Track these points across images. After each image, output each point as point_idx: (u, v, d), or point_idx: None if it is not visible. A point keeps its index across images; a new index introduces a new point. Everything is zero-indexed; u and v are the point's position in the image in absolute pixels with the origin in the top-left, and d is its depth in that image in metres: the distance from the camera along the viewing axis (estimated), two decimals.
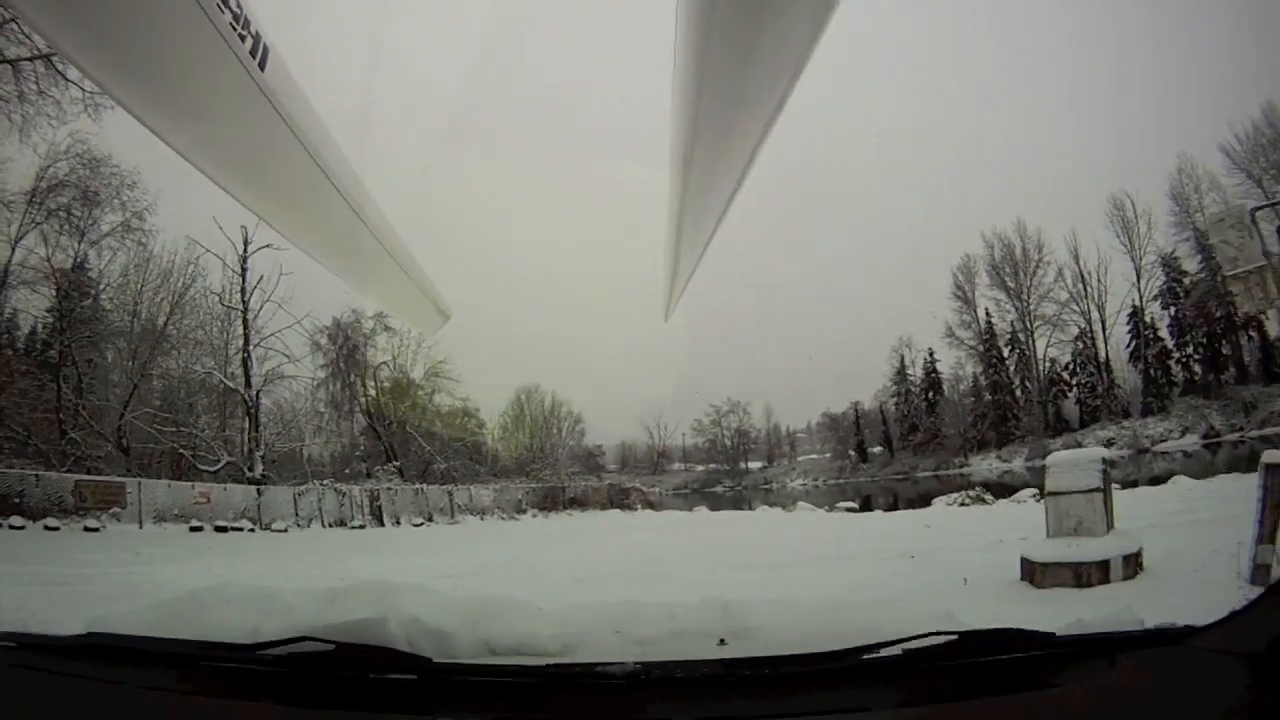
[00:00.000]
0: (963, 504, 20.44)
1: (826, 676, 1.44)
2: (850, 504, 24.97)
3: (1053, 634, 1.47)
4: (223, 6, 1.77)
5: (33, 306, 20.78)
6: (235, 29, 1.81)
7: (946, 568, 8.26)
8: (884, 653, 1.42)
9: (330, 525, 21.01)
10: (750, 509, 28.50)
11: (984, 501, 20.56)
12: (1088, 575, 6.45)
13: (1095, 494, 7.05)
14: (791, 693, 1.42)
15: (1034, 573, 6.73)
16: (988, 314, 37.85)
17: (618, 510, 28.34)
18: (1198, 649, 1.40)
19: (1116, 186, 33.36)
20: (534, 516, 27.00)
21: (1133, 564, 6.56)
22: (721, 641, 1.65)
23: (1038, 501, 19.03)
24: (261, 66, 1.88)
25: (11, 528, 16.08)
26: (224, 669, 1.55)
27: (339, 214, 2.56)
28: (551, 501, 28.55)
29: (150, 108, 1.98)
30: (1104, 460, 7.29)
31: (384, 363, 28.31)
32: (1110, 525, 7.05)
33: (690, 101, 2.25)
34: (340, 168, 2.48)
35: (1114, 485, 7.58)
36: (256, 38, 1.87)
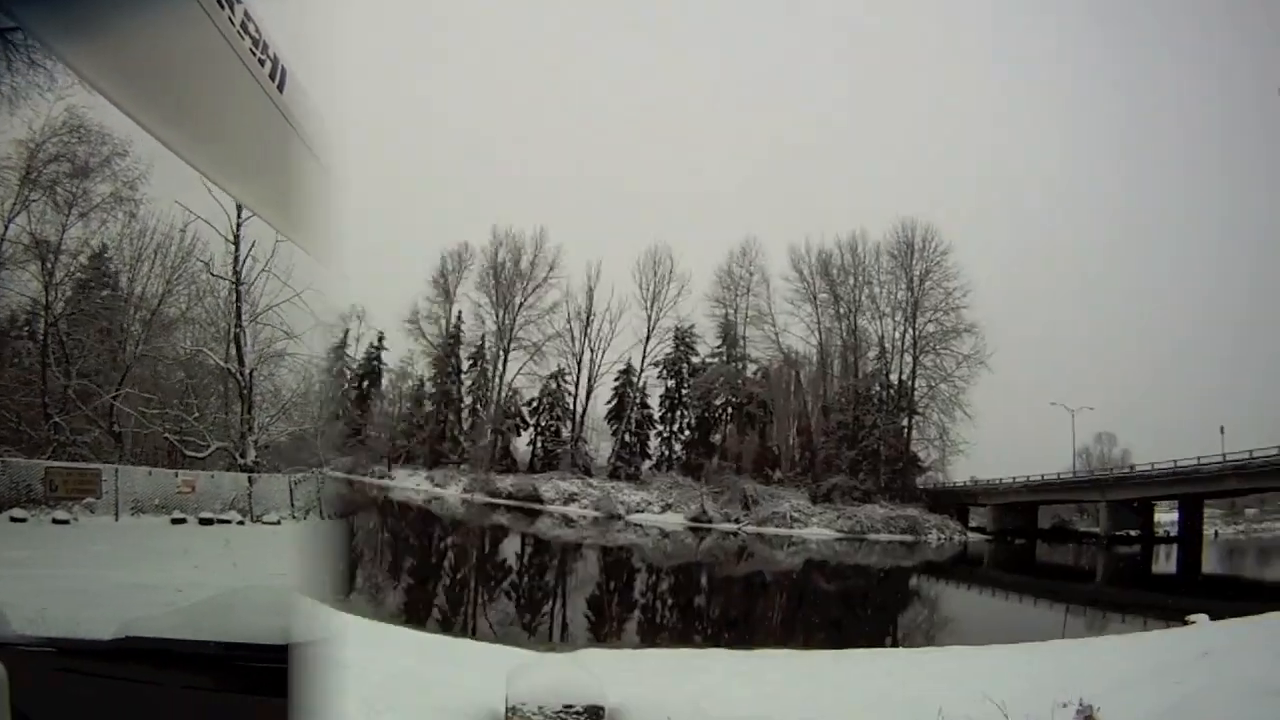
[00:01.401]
0: None
1: None
2: None
3: None
4: (243, 34, 2.08)
5: (20, 284, 20.96)
6: (255, 54, 2.12)
7: None
8: None
9: (329, 517, 21.17)
10: None
11: None
12: None
13: None
14: None
15: None
16: (459, 316, 43.53)
17: None
18: None
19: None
20: None
21: None
22: None
23: None
24: (280, 89, 2.19)
25: None
26: (257, 669, 1.84)
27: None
28: None
29: (171, 128, 2.30)
30: None
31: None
32: None
33: None
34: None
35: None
36: (275, 61, 2.19)
